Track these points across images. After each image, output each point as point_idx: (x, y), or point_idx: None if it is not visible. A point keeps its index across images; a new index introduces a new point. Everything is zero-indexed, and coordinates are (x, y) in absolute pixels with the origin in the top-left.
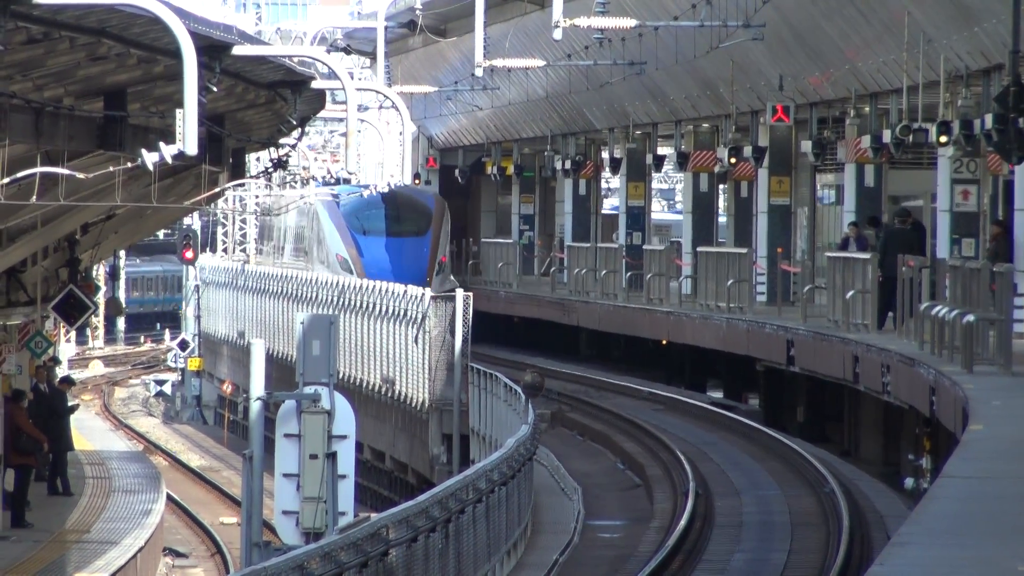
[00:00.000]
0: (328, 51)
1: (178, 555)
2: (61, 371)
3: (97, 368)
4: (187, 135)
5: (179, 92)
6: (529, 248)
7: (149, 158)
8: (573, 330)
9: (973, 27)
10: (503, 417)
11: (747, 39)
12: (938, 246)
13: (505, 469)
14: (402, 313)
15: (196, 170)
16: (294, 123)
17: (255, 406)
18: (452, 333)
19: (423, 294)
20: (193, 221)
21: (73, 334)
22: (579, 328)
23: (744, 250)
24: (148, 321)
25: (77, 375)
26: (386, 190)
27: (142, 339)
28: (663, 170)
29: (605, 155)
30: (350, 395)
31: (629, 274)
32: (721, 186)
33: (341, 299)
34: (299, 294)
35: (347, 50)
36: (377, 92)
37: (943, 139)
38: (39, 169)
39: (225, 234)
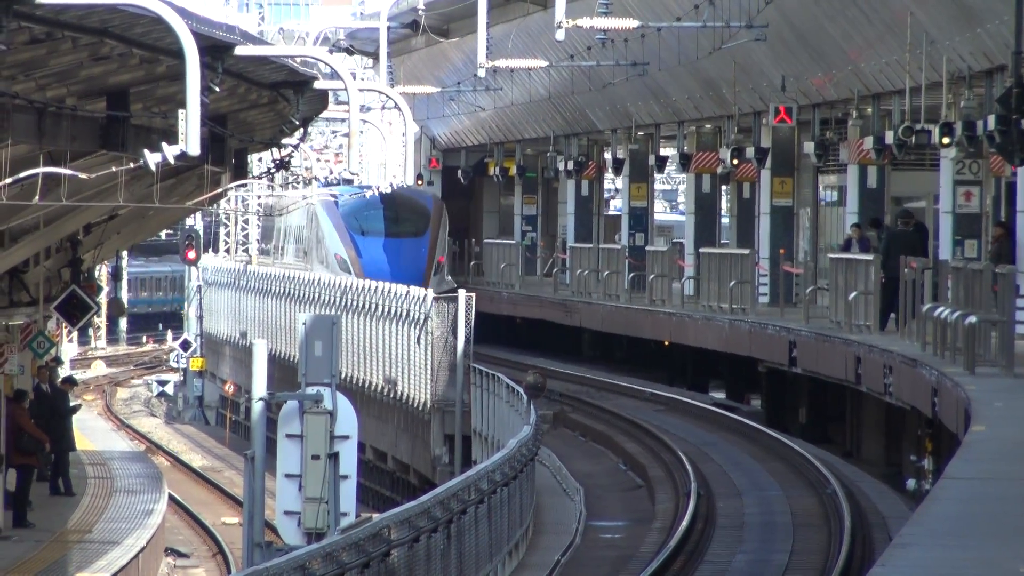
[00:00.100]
0: (330, 51)
1: (180, 555)
2: (63, 371)
3: (99, 368)
4: (189, 135)
5: (182, 92)
6: (531, 249)
7: (151, 158)
8: (575, 331)
9: (976, 28)
10: (505, 418)
11: (750, 40)
12: (940, 247)
13: (507, 470)
14: (404, 314)
15: (198, 170)
16: (296, 123)
17: (257, 406)
18: (454, 334)
19: (425, 295)
20: (195, 221)
21: (75, 334)
22: (581, 329)
23: (746, 251)
24: (151, 321)
25: (79, 375)
26: (389, 190)
27: (144, 339)
28: (665, 171)
29: (608, 156)
30: (352, 396)
31: (631, 275)
32: (723, 187)
33: (343, 300)
34: (301, 294)
35: (350, 50)
36: (380, 92)
37: (946, 140)
38: (42, 169)
39: (227, 234)
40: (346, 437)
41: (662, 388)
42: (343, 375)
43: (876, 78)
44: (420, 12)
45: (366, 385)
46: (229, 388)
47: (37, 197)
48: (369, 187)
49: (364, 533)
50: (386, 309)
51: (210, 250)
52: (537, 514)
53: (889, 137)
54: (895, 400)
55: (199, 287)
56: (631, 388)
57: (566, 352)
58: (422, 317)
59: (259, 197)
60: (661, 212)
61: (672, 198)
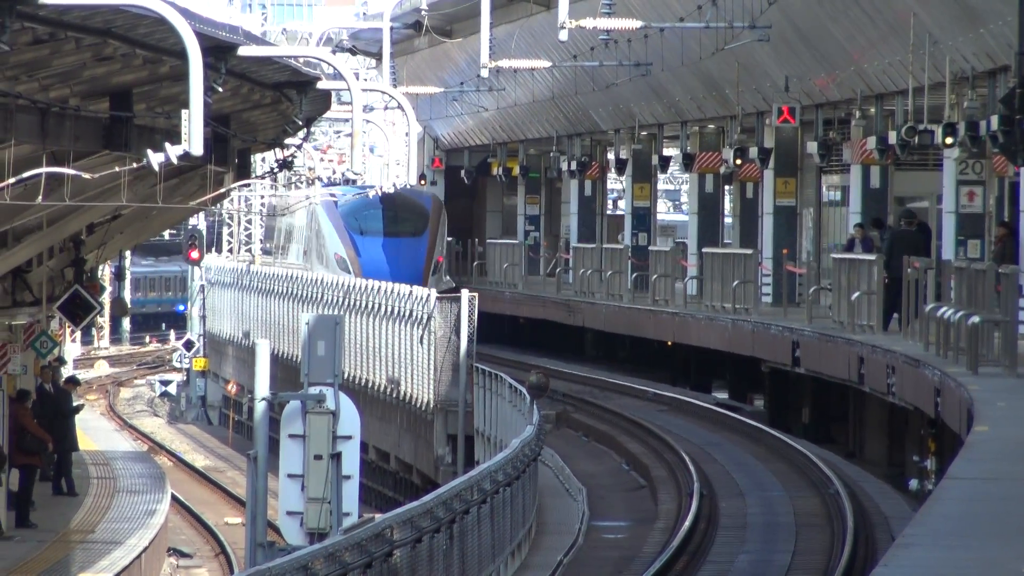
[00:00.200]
0: (334, 52)
1: (182, 555)
2: (66, 371)
3: (102, 368)
4: (193, 135)
5: (185, 92)
6: (535, 249)
7: (155, 158)
8: (578, 331)
9: (979, 28)
10: (508, 418)
11: (753, 40)
12: (943, 247)
13: (510, 470)
14: (407, 314)
15: (202, 170)
16: (300, 124)
17: (260, 406)
18: (457, 334)
19: (428, 295)
20: (199, 221)
21: (78, 334)
22: (584, 329)
23: (750, 251)
24: (154, 321)
25: (82, 375)
26: (392, 191)
27: (147, 339)
28: (669, 171)
29: (611, 156)
30: (355, 396)
31: (635, 275)
32: (727, 187)
33: (346, 300)
34: (304, 294)
35: (353, 51)
36: (383, 93)
37: (949, 140)
38: (45, 169)
39: (230, 234)
40: (349, 437)
41: (665, 388)
42: (346, 375)
43: (879, 78)
44: (423, 12)
45: (369, 385)
46: (232, 388)
47: (40, 197)
48: (372, 187)
49: (367, 533)
50: (389, 309)
51: (213, 250)
52: (540, 514)
53: (892, 137)
54: (898, 400)
55: (202, 287)
56: (634, 388)
57: (569, 352)
58: (425, 317)
59: (262, 197)
60: (664, 212)
61: (675, 198)
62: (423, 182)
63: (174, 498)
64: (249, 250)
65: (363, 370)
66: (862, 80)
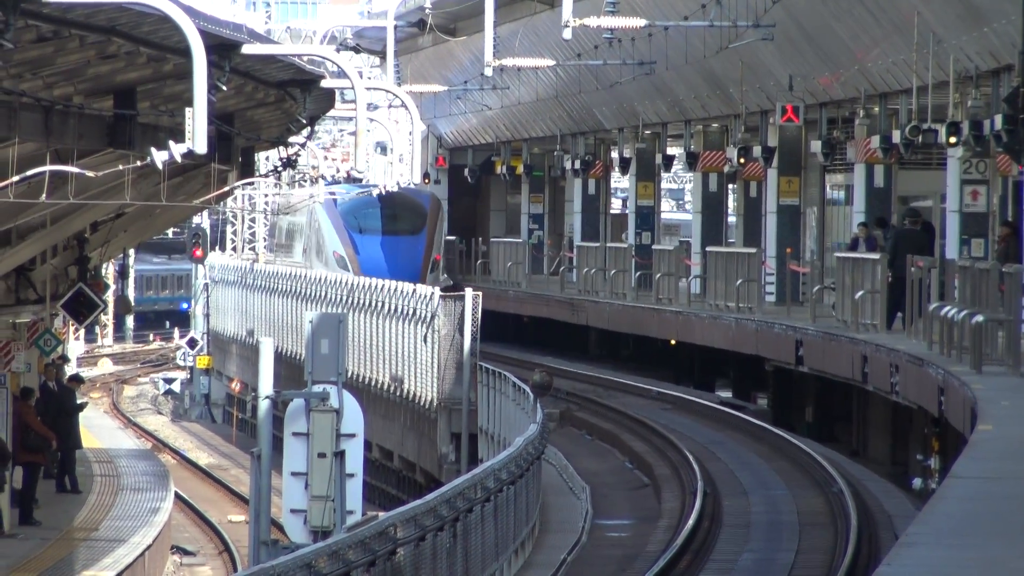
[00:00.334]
0: (338, 50)
1: (186, 553)
2: (70, 369)
3: (106, 366)
4: (197, 134)
5: (189, 91)
6: (538, 247)
7: (158, 157)
8: (582, 329)
9: (983, 27)
10: (512, 416)
11: (757, 39)
12: (947, 246)
13: (513, 468)
14: (411, 312)
15: (205, 169)
16: (303, 122)
17: (264, 404)
18: (461, 332)
19: (432, 293)
20: (202, 220)
21: (82, 332)
22: (588, 328)
23: (753, 250)
24: (159, 319)
25: (86, 373)
26: (396, 189)
27: (151, 337)
28: (672, 170)
29: (615, 155)
30: (359, 394)
31: (638, 274)
32: (730, 186)
33: (350, 298)
34: (308, 293)
35: (357, 49)
36: (387, 91)
37: (952, 140)
38: (49, 167)
39: (234, 233)
40: (352, 435)
41: (668, 387)
42: (349, 373)
43: (883, 77)
44: (427, 11)
45: (373, 383)
46: (236, 386)
47: (44, 195)
48: (375, 186)
49: (370, 531)
50: (393, 307)
51: (217, 248)
52: (543, 512)
53: (896, 136)
54: (902, 399)
55: (206, 285)
56: (637, 387)
57: (573, 351)
58: (429, 315)
59: (266, 195)
60: (668, 211)
61: (679, 197)
62: (427, 181)
63: (178, 496)
64: (253, 248)
65: (367, 368)
66: (866, 79)
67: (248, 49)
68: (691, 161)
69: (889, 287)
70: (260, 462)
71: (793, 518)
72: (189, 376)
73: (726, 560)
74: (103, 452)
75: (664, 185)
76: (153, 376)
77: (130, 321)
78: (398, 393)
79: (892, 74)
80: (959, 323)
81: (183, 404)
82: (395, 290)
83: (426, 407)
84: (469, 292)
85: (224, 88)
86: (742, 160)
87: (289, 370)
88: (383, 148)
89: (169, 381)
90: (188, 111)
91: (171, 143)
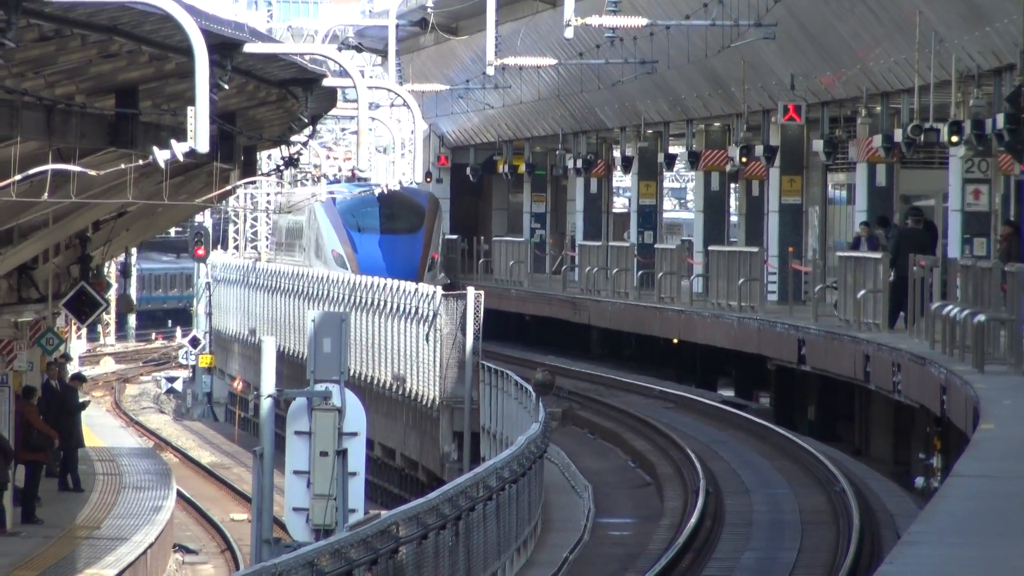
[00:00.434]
0: (339, 49)
1: (188, 551)
2: (72, 368)
3: (108, 365)
4: (199, 132)
5: (191, 89)
6: (540, 246)
7: (161, 155)
8: (584, 328)
9: (984, 27)
10: (514, 415)
11: (759, 38)
12: (949, 246)
13: (515, 467)
14: (413, 311)
15: (207, 167)
16: (305, 121)
17: (266, 403)
18: (463, 331)
19: (434, 292)
20: (204, 218)
21: (84, 331)
22: (590, 326)
23: (755, 249)
24: (161, 318)
25: (88, 372)
26: (397, 188)
27: (153, 336)
28: (675, 169)
29: (617, 154)
30: (361, 392)
31: (640, 273)
32: (732, 185)
33: (352, 297)
34: (310, 291)
35: (359, 48)
36: (389, 90)
37: (954, 139)
38: (51, 166)
39: (236, 231)
40: (355, 434)
41: (671, 386)
42: (352, 372)
43: (885, 76)
44: (429, 10)
45: (375, 382)
46: (238, 385)
47: (46, 194)
48: (377, 185)
49: (372, 530)
50: (395, 306)
51: (219, 247)
52: (545, 511)
53: (898, 135)
54: (904, 398)
55: (208, 284)
56: (640, 385)
57: (575, 349)
58: (431, 314)
59: (268, 194)
60: (670, 210)
61: (681, 196)
62: (429, 180)
63: (180, 494)
64: (255, 247)
65: (369, 367)
66: (868, 78)
67: (250, 48)
68: (693, 160)
69: (891, 286)
70: (262, 460)
71: (795, 517)
72: (191, 375)
73: (728, 559)
74: (105, 451)
75: (666, 184)
76: (155, 375)
77: (132, 320)
78: (400, 392)
79: (894, 73)
80: (961, 322)
81: (185, 403)
82: (397, 289)
83: (428, 406)
84: (471, 291)
85: (226, 87)
86: (744, 159)
87: (291, 369)
88: (384, 151)
89: (171, 380)
90: (190, 110)
91: (173, 142)
